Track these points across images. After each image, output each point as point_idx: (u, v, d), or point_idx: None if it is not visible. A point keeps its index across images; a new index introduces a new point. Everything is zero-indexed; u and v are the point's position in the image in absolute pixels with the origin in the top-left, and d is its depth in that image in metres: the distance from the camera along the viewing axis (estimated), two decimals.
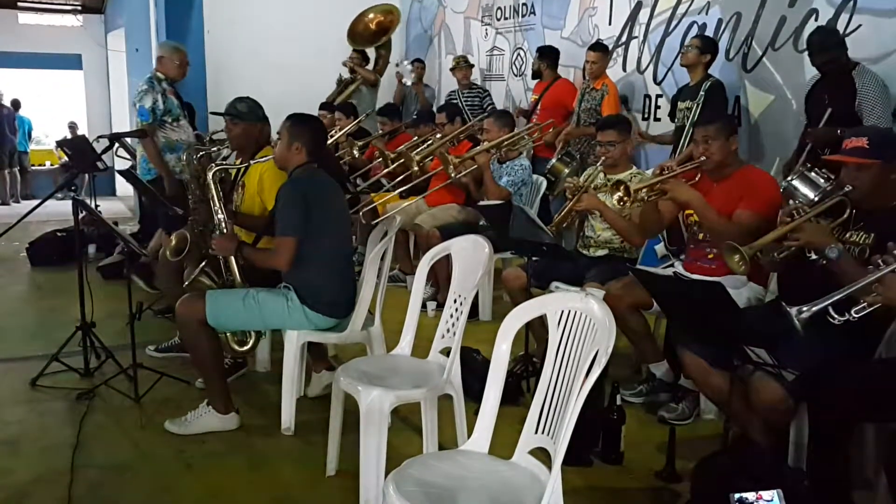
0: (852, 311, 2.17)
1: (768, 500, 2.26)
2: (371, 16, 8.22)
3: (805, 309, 2.17)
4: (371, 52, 8.23)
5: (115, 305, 4.37)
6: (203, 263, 3.42)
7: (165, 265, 3.88)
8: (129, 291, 3.71)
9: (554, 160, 5.63)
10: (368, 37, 8.18)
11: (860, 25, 4.22)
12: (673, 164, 3.46)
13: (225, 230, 3.33)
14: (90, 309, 3.87)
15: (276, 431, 3.24)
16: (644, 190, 3.33)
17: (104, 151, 4.81)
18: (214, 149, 4.38)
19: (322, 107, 7.24)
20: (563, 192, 5.56)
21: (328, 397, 2.99)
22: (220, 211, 3.34)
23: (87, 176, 8.43)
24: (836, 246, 2.52)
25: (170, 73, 4.89)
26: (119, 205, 10.87)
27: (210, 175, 3.37)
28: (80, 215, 3.85)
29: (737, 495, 2.27)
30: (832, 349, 2.46)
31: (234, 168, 3.70)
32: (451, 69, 7.30)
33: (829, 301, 2.17)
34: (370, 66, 8.15)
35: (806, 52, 4.43)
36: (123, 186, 10.74)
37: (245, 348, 3.39)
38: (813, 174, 3.49)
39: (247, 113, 3.69)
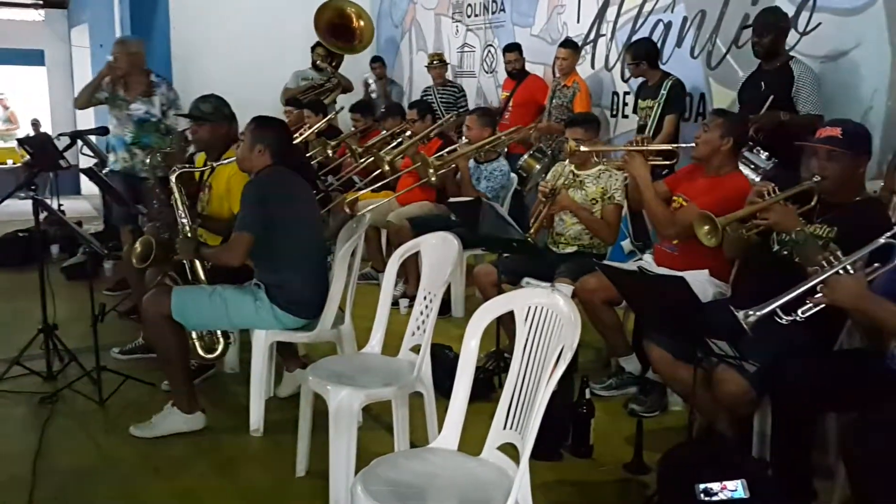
0: (799, 312, 2.22)
1: (732, 490, 2.31)
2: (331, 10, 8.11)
3: (751, 313, 2.22)
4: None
5: (79, 307, 4.29)
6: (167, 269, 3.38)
7: (130, 266, 3.82)
8: (92, 292, 3.65)
9: (526, 156, 5.66)
10: (330, 29, 8.04)
11: (820, 23, 4.29)
12: (642, 137, 3.65)
13: (189, 234, 3.28)
14: (53, 311, 3.81)
15: (244, 433, 3.22)
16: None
17: (66, 149, 4.75)
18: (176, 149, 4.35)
19: (288, 102, 7.18)
20: (535, 188, 5.62)
21: (299, 397, 2.97)
22: (184, 214, 3.29)
23: (50, 174, 8.30)
24: (802, 229, 2.58)
25: None
26: (84, 204, 10.68)
27: (173, 178, 3.32)
28: (42, 215, 3.79)
29: (702, 486, 2.31)
30: (794, 341, 2.50)
31: (198, 170, 3.64)
32: (426, 67, 7.31)
33: (776, 304, 2.22)
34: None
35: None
36: (88, 185, 10.58)
37: (213, 356, 3.35)
38: (753, 154, 3.58)
39: (211, 113, 3.63)
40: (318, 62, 7.92)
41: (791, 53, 4.16)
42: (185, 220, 3.30)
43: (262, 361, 3.20)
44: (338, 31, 8.03)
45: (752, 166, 3.77)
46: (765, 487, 2.35)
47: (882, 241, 2.27)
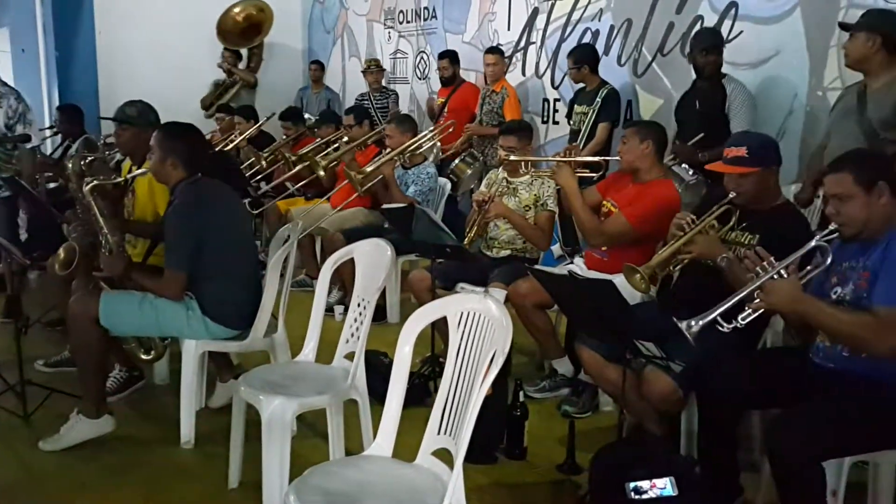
0: (739, 319, 2.30)
1: (661, 488, 2.37)
2: (237, 10, 8.11)
3: (693, 323, 2.28)
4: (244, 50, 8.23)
5: (1, 318, 4.15)
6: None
7: (54, 276, 3.70)
8: (18, 303, 3.53)
9: (457, 161, 5.69)
10: (239, 33, 8.07)
11: (741, 32, 4.44)
12: (572, 146, 3.69)
13: (113, 248, 3.16)
14: None
15: (175, 445, 3.15)
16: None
17: None
18: (107, 153, 4.24)
19: (220, 108, 7.10)
20: (468, 193, 5.67)
21: (231, 407, 2.91)
22: (103, 227, 3.17)
23: None
24: (726, 255, 2.66)
25: None
26: None
27: (86, 190, 3.17)
28: None
29: (632, 484, 2.37)
30: (719, 341, 2.57)
31: (111, 182, 3.48)
32: (363, 72, 7.30)
33: (717, 312, 2.29)
34: (242, 65, 8.09)
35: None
36: None
37: (151, 357, 3.32)
38: (678, 168, 3.69)
39: (136, 117, 3.55)
40: (222, 65, 7.93)
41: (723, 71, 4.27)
42: (106, 233, 3.16)
43: (192, 372, 3.14)
44: (247, 32, 8.06)
45: (678, 180, 3.86)
46: (693, 484, 2.42)
47: (813, 243, 2.36)
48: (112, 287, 3.27)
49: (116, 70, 8.06)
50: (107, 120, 3.78)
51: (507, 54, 6.14)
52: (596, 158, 3.83)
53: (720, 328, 2.29)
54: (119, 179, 3.41)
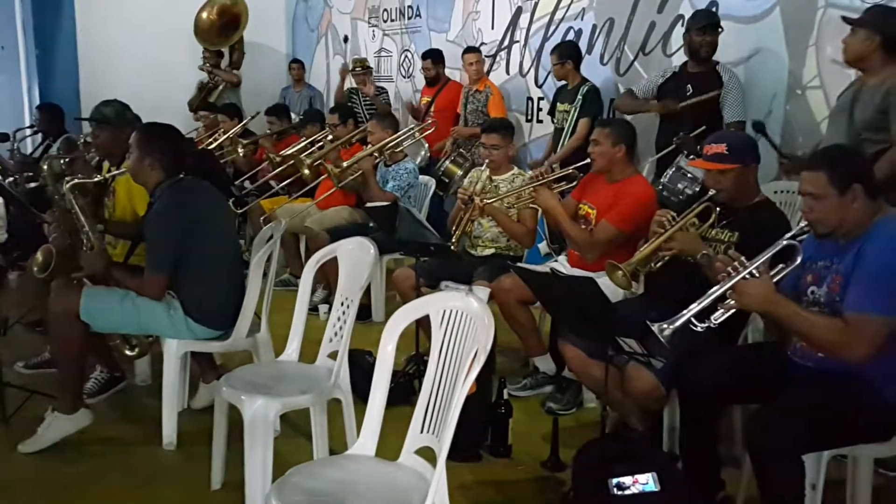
0: (712, 319, 2.31)
1: (644, 484, 2.38)
2: (207, 10, 8.03)
3: (666, 326, 2.29)
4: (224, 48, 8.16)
5: None
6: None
7: (33, 277, 3.67)
8: None
9: (447, 162, 5.68)
10: (217, 31, 8.00)
11: (722, 30, 4.46)
12: (542, 170, 3.66)
13: (94, 247, 3.15)
14: None
15: (157, 446, 3.14)
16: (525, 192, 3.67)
17: None
18: (87, 155, 4.20)
19: (204, 106, 7.05)
20: (456, 192, 5.66)
21: (214, 408, 2.90)
22: (84, 226, 3.15)
23: None
24: (706, 252, 2.68)
25: None
26: None
27: (66, 188, 3.15)
28: None
29: (615, 480, 2.38)
30: (699, 337, 2.59)
31: (91, 181, 3.45)
32: (350, 72, 7.27)
33: (689, 315, 2.29)
34: (225, 63, 8.04)
35: (674, 55, 4.67)
36: None
37: (136, 353, 3.33)
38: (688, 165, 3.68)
39: (114, 117, 3.51)
40: (204, 67, 7.89)
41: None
42: (87, 231, 3.15)
43: (174, 372, 3.12)
44: (225, 29, 8.00)
45: (690, 176, 3.85)
46: (675, 480, 2.43)
47: (784, 242, 2.37)
48: (94, 284, 3.26)
49: (98, 68, 8.00)
50: (83, 121, 3.75)
51: (490, 53, 6.15)
52: (567, 170, 3.79)
53: (693, 328, 2.30)
54: (99, 178, 3.39)
